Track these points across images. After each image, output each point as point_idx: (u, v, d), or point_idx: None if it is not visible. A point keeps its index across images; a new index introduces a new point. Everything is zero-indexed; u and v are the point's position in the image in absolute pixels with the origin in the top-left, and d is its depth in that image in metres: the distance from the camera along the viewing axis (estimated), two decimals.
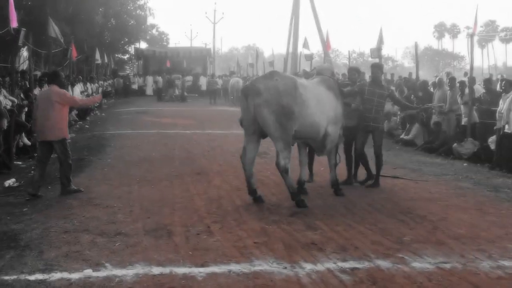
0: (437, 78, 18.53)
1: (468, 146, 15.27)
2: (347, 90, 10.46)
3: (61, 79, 10.37)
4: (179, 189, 10.49)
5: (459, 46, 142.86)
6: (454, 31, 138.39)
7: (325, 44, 30.10)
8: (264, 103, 8.97)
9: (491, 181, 11.57)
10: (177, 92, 42.92)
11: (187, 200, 9.59)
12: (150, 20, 62.20)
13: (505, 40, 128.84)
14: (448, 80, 17.37)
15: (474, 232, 7.71)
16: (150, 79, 49.72)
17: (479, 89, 18.31)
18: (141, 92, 49.31)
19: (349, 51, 26.56)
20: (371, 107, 10.83)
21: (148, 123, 23.31)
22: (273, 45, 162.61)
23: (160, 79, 45.43)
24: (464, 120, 15.97)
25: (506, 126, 13.29)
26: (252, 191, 9.50)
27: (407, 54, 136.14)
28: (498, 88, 15.74)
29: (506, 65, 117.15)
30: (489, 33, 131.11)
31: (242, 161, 9.57)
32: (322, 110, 9.59)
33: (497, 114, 13.62)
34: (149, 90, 49.28)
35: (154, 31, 76.20)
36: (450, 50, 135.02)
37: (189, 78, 49.46)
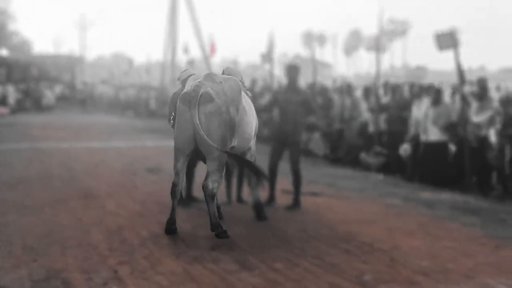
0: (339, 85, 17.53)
1: (376, 156, 14.32)
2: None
3: None
4: (68, 218, 8.64)
5: (327, 54, 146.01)
6: (321, 40, 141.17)
7: (207, 48, 28.62)
8: (216, 112, 7.36)
9: (419, 196, 10.56)
10: (45, 101, 40.00)
11: (81, 232, 7.79)
12: (11, 26, 58.30)
13: (369, 48, 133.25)
14: (346, 87, 16.42)
15: (440, 265, 6.49)
16: (11, 88, 46.04)
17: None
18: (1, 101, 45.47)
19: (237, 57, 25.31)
20: (286, 117, 9.46)
21: (18, 136, 20.81)
22: (147, 51, 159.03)
23: (23, 87, 42.09)
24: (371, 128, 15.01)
25: (423, 135, 12.37)
26: (173, 222, 7.82)
27: (279, 62, 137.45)
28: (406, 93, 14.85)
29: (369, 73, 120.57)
30: (354, 42, 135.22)
31: (172, 190, 7.78)
32: (252, 118, 8.13)
33: (411, 121, 12.68)
34: (12, 99, 45.62)
35: (15, 37, 71.87)
36: (318, 58, 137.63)
37: (58, 86, 46.50)
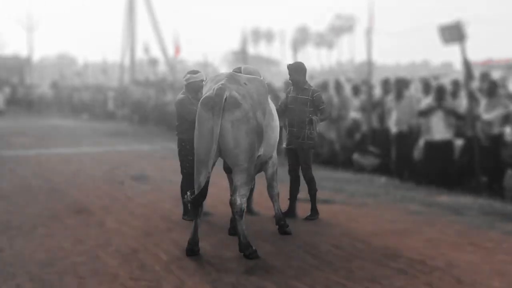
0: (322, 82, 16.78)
1: (370, 157, 13.67)
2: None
3: None
4: (68, 239, 7.66)
5: (274, 51, 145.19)
6: (268, 36, 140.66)
7: (170, 49, 27.57)
8: (243, 118, 6.50)
9: (437, 200, 9.89)
10: None
11: (90, 258, 6.84)
12: None
13: (317, 44, 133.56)
14: (334, 84, 15.70)
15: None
16: None
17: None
18: None
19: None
20: (292, 118, 8.62)
21: None
22: (103, 51, 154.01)
23: None
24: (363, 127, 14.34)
25: (425, 134, 11.76)
26: (195, 243, 6.92)
27: (225, 59, 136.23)
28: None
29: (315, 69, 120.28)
30: (301, 38, 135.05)
31: (195, 207, 6.87)
32: (278, 122, 7.32)
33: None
34: None
35: None
36: (265, 55, 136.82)
37: (6, 89, 44.62)
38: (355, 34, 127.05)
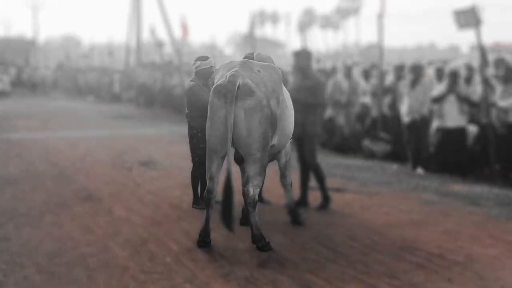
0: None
1: (381, 143, 13.46)
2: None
3: None
4: (76, 228, 7.51)
5: (280, 33, 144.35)
6: (274, 18, 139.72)
7: (178, 31, 27.29)
8: (257, 106, 6.30)
9: (452, 190, 9.68)
10: (2, 86, 38.04)
11: (99, 249, 6.68)
12: None
13: (323, 26, 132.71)
14: (344, 68, 15.44)
15: None
16: None
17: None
18: None
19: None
20: (297, 106, 8.36)
21: None
22: (109, 33, 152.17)
23: None
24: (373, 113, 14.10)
25: (437, 120, 11.53)
26: (207, 235, 6.75)
27: (230, 41, 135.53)
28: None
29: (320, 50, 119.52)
30: (307, 20, 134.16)
31: (207, 198, 6.70)
32: (292, 111, 7.11)
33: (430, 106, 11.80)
34: None
35: None
36: (271, 36, 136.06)
37: (12, 70, 44.46)
38: (361, 16, 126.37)
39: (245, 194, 6.50)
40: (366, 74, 14.96)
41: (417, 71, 11.89)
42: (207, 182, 6.66)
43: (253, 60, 7.15)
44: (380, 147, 13.37)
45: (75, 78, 39.29)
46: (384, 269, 5.97)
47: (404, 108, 11.82)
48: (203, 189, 8.51)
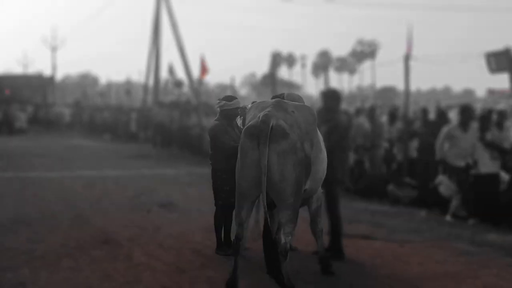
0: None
1: (406, 188, 13.05)
2: None
3: None
4: (95, 274, 7.13)
5: (295, 75, 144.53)
6: (289, 60, 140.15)
7: (195, 70, 27.15)
8: (291, 150, 5.96)
9: (487, 239, 9.24)
10: (18, 124, 38.00)
11: None
12: None
13: (338, 69, 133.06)
14: (368, 111, 15.14)
15: None
16: None
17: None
18: None
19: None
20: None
21: None
22: (127, 72, 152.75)
23: None
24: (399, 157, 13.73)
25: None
26: (235, 283, 6.34)
27: (245, 82, 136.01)
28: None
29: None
30: (323, 62, 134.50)
31: (236, 245, 6.31)
32: (325, 154, 6.76)
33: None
34: None
35: None
36: (286, 78, 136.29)
37: (29, 108, 44.52)
38: (376, 59, 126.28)
39: (276, 242, 6.12)
40: (392, 117, 14.58)
41: (468, 113, 11.42)
42: (236, 228, 6.29)
43: (285, 100, 6.84)
44: (406, 193, 12.95)
45: (91, 116, 39.19)
46: None
47: (453, 152, 11.29)
48: (227, 234, 8.15)
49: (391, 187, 13.26)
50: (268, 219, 6.31)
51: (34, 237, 8.96)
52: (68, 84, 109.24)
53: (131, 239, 8.95)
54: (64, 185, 14.38)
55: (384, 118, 15.24)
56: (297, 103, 6.66)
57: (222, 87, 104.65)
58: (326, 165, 6.78)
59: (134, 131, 32.55)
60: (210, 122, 22.41)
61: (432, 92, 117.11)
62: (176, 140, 26.01)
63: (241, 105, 8.17)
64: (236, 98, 7.98)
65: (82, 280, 6.87)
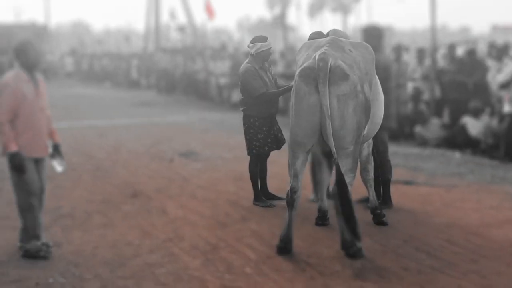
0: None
1: (434, 128, 12.54)
2: None
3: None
4: (131, 231, 6.64)
5: (290, 17, 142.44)
6: (284, 2, 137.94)
7: (200, 13, 26.30)
8: (351, 92, 5.42)
9: None
10: None
11: (165, 257, 5.81)
12: None
13: (334, 9, 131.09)
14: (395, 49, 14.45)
15: None
16: None
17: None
18: None
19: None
20: None
21: None
22: (128, 18, 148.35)
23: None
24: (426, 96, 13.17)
25: (507, 106, 10.61)
26: (289, 240, 5.83)
27: (240, 26, 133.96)
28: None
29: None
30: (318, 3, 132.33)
31: (291, 198, 5.80)
32: (383, 96, 6.23)
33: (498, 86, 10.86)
34: None
35: None
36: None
37: None
38: None
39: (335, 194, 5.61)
40: (421, 56, 13.92)
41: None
42: (291, 180, 5.77)
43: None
44: (433, 134, 12.44)
45: (90, 64, 38.35)
46: (507, 281, 5.08)
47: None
48: (264, 185, 7.69)
49: (418, 129, 12.75)
50: (336, 165, 5.69)
51: (58, 192, 8.41)
52: (61, 33, 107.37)
53: (160, 190, 8.46)
54: (76, 136, 13.79)
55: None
56: (353, 40, 6.09)
57: (216, 31, 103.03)
58: (383, 108, 6.26)
59: (135, 78, 31.83)
60: (216, 65, 21.99)
61: (428, 31, 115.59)
62: (180, 86, 25.38)
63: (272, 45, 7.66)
64: (268, 38, 7.43)
65: (119, 238, 6.40)
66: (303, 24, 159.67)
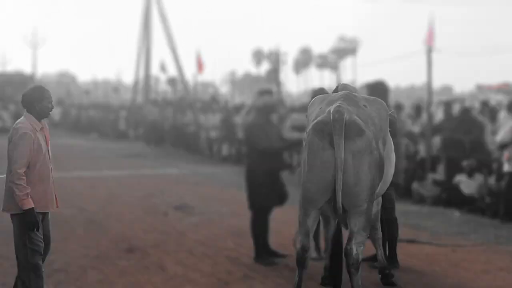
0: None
1: (431, 186, 12.40)
2: None
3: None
4: None
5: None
6: (270, 57, 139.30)
7: (189, 66, 26.33)
8: (366, 149, 5.27)
9: None
10: (1, 123, 36.84)
11: None
12: None
13: (320, 66, 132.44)
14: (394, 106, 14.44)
15: None
16: None
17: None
18: None
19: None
20: None
21: None
22: (118, 69, 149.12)
23: None
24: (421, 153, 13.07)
25: (507, 165, 10.48)
26: None
27: (226, 79, 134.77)
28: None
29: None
30: (304, 59, 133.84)
31: (302, 257, 5.56)
32: (394, 154, 6.07)
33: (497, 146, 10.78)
34: None
35: None
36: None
37: (11, 106, 43.32)
38: (358, 57, 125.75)
39: (347, 254, 5.38)
40: (418, 112, 13.88)
41: None
42: (301, 238, 5.54)
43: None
44: (429, 191, 12.30)
45: (78, 115, 38.10)
46: None
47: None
48: (266, 242, 7.47)
49: (415, 185, 12.61)
50: (341, 224, 5.53)
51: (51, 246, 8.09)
52: (46, 83, 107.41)
53: (157, 246, 8.18)
54: (65, 187, 13.35)
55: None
56: (367, 96, 5.96)
57: (203, 84, 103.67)
58: (394, 166, 6.09)
59: (123, 129, 31.58)
60: (207, 118, 21.87)
61: (412, 88, 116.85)
62: (169, 138, 25.18)
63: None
64: (273, 91, 7.31)
65: None
66: (289, 80, 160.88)
